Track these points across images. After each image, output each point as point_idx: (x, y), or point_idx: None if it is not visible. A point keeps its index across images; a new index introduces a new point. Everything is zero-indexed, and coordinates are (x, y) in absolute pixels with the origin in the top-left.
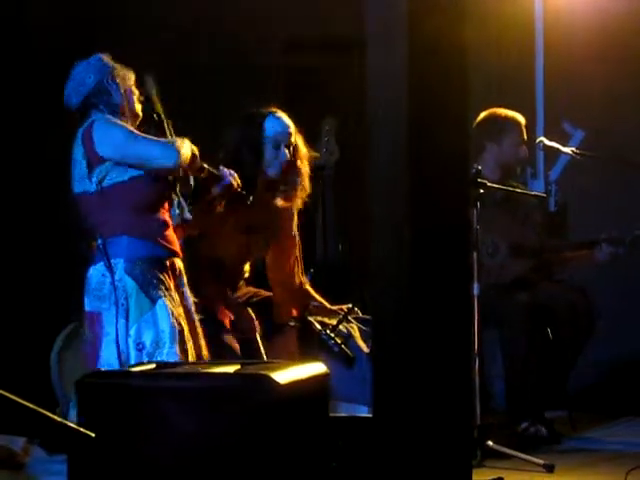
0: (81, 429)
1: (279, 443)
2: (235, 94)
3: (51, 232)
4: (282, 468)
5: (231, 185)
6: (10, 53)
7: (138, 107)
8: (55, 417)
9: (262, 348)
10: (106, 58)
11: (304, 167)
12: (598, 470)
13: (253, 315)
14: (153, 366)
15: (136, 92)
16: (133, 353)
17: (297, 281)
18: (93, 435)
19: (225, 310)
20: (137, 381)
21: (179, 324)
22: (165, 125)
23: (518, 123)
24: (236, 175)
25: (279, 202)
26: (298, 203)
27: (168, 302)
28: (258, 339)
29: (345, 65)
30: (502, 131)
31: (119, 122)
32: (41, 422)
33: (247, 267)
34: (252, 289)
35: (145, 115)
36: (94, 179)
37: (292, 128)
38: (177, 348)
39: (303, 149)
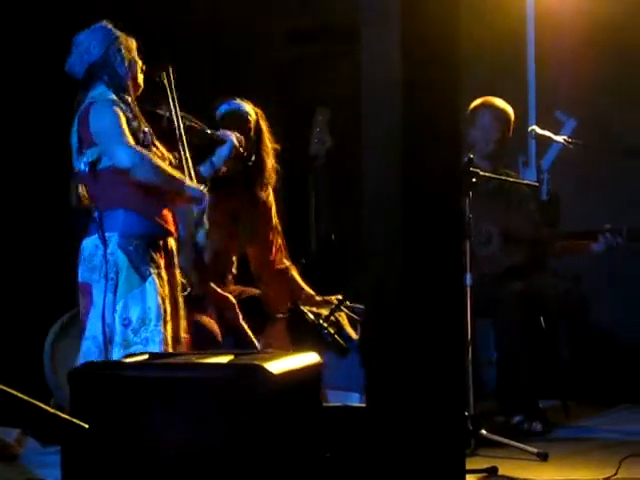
0: (75, 420)
1: (273, 433)
2: (230, 84)
3: (47, 223)
4: (276, 458)
5: (236, 146)
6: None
7: (140, 77)
8: (48, 408)
9: (250, 332)
10: (110, 26)
11: (269, 159)
12: (592, 458)
13: (234, 301)
14: (146, 357)
15: (139, 62)
16: (119, 328)
17: (282, 267)
18: (87, 426)
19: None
20: (130, 372)
21: (163, 304)
22: (169, 94)
23: (490, 105)
24: (238, 134)
25: (259, 200)
26: (266, 193)
27: (157, 281)
28: (243, 325)
29: (339, 55)
30: (475, 113)
31: (116, 110)
32: (34, 413)
33: (234, 260)
34: (239, 287)
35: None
36: (85, 160)
37: (252, 115)
38: (162, 326)
39: (267, 141)
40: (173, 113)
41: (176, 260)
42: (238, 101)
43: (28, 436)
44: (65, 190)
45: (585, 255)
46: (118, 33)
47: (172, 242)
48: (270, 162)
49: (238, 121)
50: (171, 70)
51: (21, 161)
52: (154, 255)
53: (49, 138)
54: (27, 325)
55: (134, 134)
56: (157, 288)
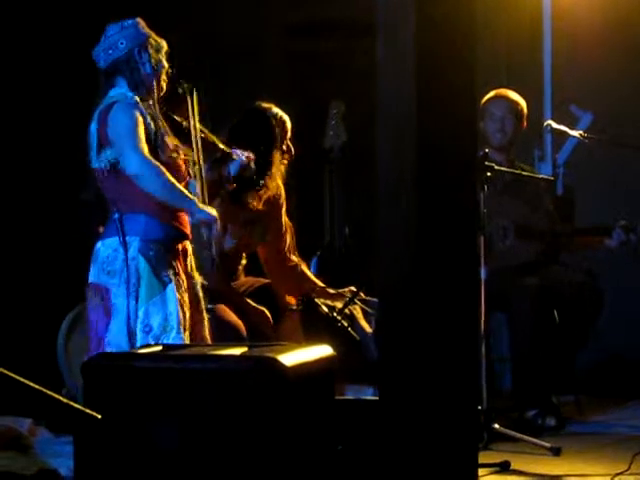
0: (87, 410)
1: (286, 425)
2: (243, 78)
3: (58, 215)
4: (288, 450)
5: (245, 165)
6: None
7: (165, 80)
8: (61, 398)
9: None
10: (142, 24)
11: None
12: (605, 454)
13: (266, 310)
14: (160, 348)
15: (166, 65)
16: (140, 335)
17: (291, 264)
18: (99, 416)
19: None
20: (143, 363)
21: (182, 311)
22: (190, 110)
23: (502, 96)
24: (250, 154)
25: (268, 200)
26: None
27: (177, 287)
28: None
29: (353, 48)
30: (487, 106)
31: (136, 115)
32: (47, 403)
33: (244, 255)
34: (250, 279)
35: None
36: (105, 160)
37: (288, 125)
38: (183, 333)
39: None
40: (192, 127)
41: (193, 262)
42: (275, 110)
43: (41, 426)
44: (75, 186)
45: (600, 250)
46: (149, 32)
47: (188, 245)
48: (278, 164)
49: (261, 121)
50: (195, 90)
51: (34, 157)
52: (172, 260)
53: (61, 135)
54: (40, 315)
55: (150, 138)
56: (176, 294)
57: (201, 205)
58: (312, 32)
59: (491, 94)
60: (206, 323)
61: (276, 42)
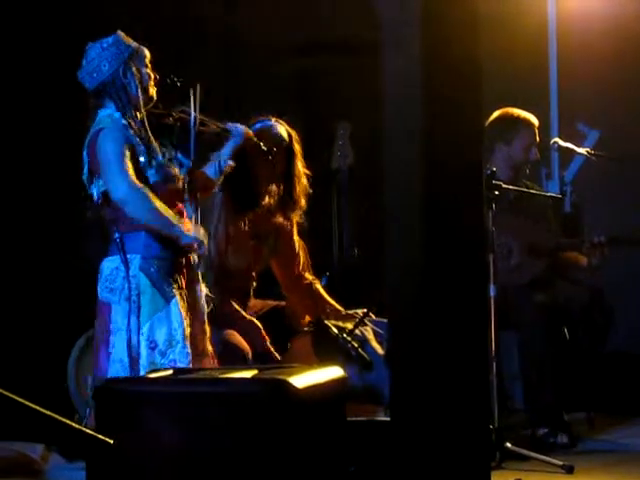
0: (99, 436)
1: (297, 448)
2: (250, 96)
3: (68, 239)
4: (301, 473)
5: (245, 137)
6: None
7: (153, 91)
8: (73, 424)
9: (277, 356)
10: (122, 39)
11: (300, 183)
12: (617, 471)
13: (259, 324)
14: (170, 372)
15: (151, 75)
16: (145, 351)
17: (307, 282)
18: (111, 442)
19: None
20: (155, 387)
21: (187, 324)
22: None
23: (531, 124)
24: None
25: (279, 219)
26: (296, 216)
27: (180, 302)
28: (271, 349)
29: (359, 67)
30: (514, 131)
31: (121, 140)
32: (59, 429)
33: (255, 275)
34: (259, 302)
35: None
36: (95, 189)
37: (286, 141)
38: (189, 347)
39: (299, 165)
40: (191, 124)
41: (200, 274)
42: (273, 121)
43: (53, 452)
44: (81, 203)
45: (608, 265)
46: (131, 47)
47: (193, 256)
48: (300, 186)
49: (269, 142)
50: (198, 88)
51: (41, 173)
52: (176, 276)
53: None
54: (51, 341)
55: (137, 160)
56: (181, 309)
57: (187, 227)
58: (318, 51)
59: (497, 113)
60: (208, 335)
61: (282, 61)
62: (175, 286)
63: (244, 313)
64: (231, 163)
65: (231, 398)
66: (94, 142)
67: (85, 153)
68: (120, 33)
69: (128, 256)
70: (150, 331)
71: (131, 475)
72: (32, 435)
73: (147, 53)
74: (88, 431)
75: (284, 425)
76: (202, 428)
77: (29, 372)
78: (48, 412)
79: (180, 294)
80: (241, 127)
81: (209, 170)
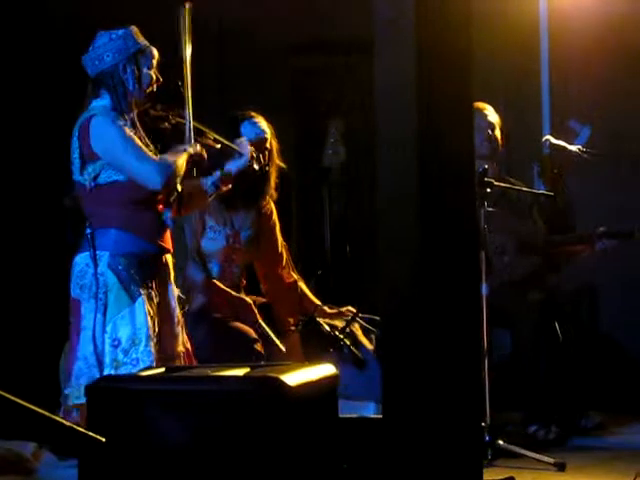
0: (91, 434)
1: (290, 445)
2: (242, 95)
3: (61, 237)
4: (293, 470)
5: (251, 161)
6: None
7: (152, 89)
8: (65, 422)
9: (271, 332)
10: (133, 35)
11: (272, 176)
12: (609, 469)
13: (250, 301)
14: (162, 370)
15: (154, 77)
16: (108, 349)
17: (291, 279)
18: (103, 440)
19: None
20: (147, 385)
21: (153, 324)
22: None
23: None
24: (252, 148)
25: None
26: (269, 209)
27: (147, 301)
28: (263, 324)
29: (351, 66)
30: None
31: (118, 123)
32: (51, 427)
33: (242, 267)
34: (252, 297)
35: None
36: (86, 175)
37: (268, 134)
38: (152, 347)
39: (276, 158)
40: (187, 123)
41: (172, 276)
42: (255, 119)
43: (45, 450)
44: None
45: (596, 260)
46: (140, 45)
47: (168, 258)
48: (274, 179)
49: (259, 146)
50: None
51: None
52: (145, 275)
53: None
54: (43, 339)
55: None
56: (147, 308)
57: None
58: (311, 50)
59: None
60: (180, 339)
61: (275, 60)
62: (143, 285)
63: (231, 291)
64: (230, 186)
65: (223, 395)
66: (86, 129)
67: (76, 138)
68: (133, 28)
69: (98, 252)
70: (113, 329)
71: (123, 473)
72: (24, 433)
73: (156, 54)
74: (80, 429)
75: (277, 422)
76: (195, 426)
77: (21, 370)
78: (40, 410)
79: (148, 294)
80: (248, 147)
81: (206, 181)
